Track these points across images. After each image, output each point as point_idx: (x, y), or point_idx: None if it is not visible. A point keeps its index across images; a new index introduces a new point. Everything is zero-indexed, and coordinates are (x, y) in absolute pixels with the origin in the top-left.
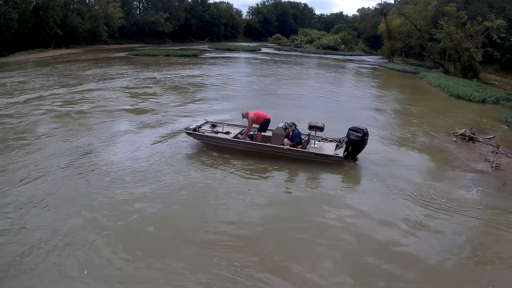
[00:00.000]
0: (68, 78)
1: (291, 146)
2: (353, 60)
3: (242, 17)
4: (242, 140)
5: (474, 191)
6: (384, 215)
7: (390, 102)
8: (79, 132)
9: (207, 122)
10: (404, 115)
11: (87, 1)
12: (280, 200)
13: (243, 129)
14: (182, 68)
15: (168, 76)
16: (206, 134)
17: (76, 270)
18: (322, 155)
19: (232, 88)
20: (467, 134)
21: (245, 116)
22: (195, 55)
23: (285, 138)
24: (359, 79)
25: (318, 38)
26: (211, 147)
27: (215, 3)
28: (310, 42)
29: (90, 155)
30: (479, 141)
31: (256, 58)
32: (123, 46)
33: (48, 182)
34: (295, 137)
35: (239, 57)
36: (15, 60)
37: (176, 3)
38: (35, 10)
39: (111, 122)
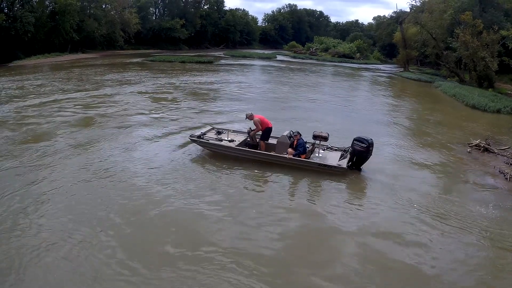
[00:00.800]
0: (84, 82)
1: (294, 155)
2: (369, 68)
3: (258, 24)
4: (246, 149)
5: (487, 205)
6: (392, 230)
7: (405, 111)
8: (96, 136)
9: (213, 128)
10: (418, 125)
11: (104, 7)
12: (277, 214)
13: (247, 137)
14: (198, 75)
15: (184, 82)
16: (210, 141)
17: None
18: (325, 165)
19: (248, 96)
20: (482, 145)
21: (249, 117)
22: (210, 62)
23: (289, 147)
24: (375, 88)
25: (334, 46)
26: (216, 153)
27: (231, 10)
28: (326, 50)
29: (106, 159)
30: (493, 152)
31: (272, 66)
32: (139, 51)
33: (64, 185)
34: (299, 146)
35: (254, 64)
36: (31, 63)
37: (192, 10)
38: (51, 14)
39: (127, 127)
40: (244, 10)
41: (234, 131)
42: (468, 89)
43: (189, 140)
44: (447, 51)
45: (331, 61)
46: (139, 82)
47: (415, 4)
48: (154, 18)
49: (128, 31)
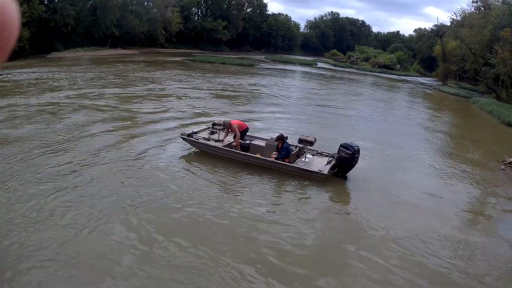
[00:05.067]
0: (123, 78)
1: (276, 158)
2: (408, 80)
3: (300, 30)
4: (230, 150)
5: None
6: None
7: (440, 125)
8: (130, 131)
9: (208, 128)
10: (451, 140)
11: (146, 4)
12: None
13: (230, 143)
14: (238, 77)
15: (224, 83)
16: (199, 140)
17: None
18: (306, 170)
19: (286, 101)
20: None
21: (227, 125)
22: (251, 65)
23: (276, 150)
24: (413, 101)
25: (374, 56)
26: (205, 152)
27: (273, 14)
28: (366, 59)
29: (138, 154)
30: None
31: (312, 73)
32: (179, 50)
33: (91, 177)
34: (282, 150)
35: (295, 70)
36: (69, 55)
37: (235, 12)
38: (92, 8)
39: (161, 125)
40: (286, 15)
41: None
42: (505, 106)
43: (180, 137)
44: (486, 67)
45: (371, 71)
46: (180, 81)
47: (455, 18)
48: (196, 18)
49: (169, 30)
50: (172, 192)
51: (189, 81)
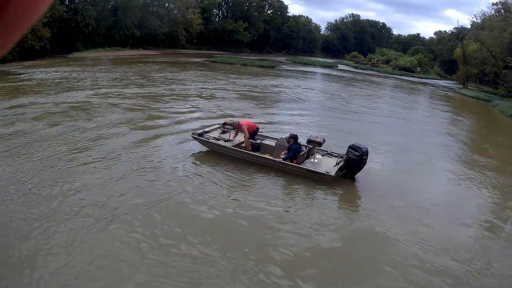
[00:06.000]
0: (147, 78)
1: (284, 159)
2: (429, 83)
3: (321, 32)
4: (239, 149)
5: None
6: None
7: (459, 129)
8: (155, 131)
9: (220, 127)
10: (471, 144)
11: (167, 5)
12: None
13: (240, 143)
14: (260, 78)
15: (245, 84)
16: (209, 140)
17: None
18: (313, 171)
19: (307, 103)
20: None
21: (236, 126)
22: (272, 67)
23: (284, 150)
24: (433, 103)
25: (395, 59)
26: (215, 152)
27: (294, 16)
28: (387, 62)
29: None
30: None
31: (333, 75)
32: (200, 51)
33: (110, 175)
34: (290, 151)
35: (316, 72)
36: (90, 55)
37: (256, 14)
38: (113, 9)
39: (187, 126)
40: (307, 17)
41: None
42: None
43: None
44: (506, 70)
45: (392, 74)
46: (205, 81)
47: (475, 20)
48: (217, 19)
49: (190, 31)
50: (182, 192)
51: (213, 82)
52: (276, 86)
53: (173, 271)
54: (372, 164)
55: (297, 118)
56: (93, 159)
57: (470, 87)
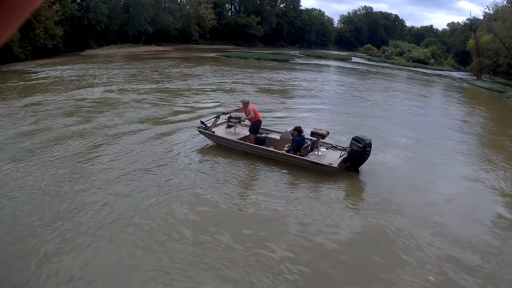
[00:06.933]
0: (163, 74)
1: (287, 151)
2: (442, 75)
3: (334, 25)
4: (244, 142)
5: None
6: None
7: (474, 120)
8: (175, 125)
9: (228, 120)
10: (486, 136)
11: (179, 1)
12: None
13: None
14: (274, 72)
15: (266, 78)
16: (214, 134)
17: None
18: (316, 163)
19: (323, 95)
20: None
21: (245, 104)
22: (286, 60)
23: (288, 143)
24: (447, 95)
25: (408, 51)
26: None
27: (307, 9)
28: (400, 54)
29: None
30: None
31: (347, 68)
32: (213, 46)
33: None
34: (293, 143)
35: (330, 65)
36: (104, 53)
37: (268, 8)
38: (125, 6)
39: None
40: (320, 10)
41: (245, 125)
42: None
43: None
44: None
45: (406, 66)
46: (222, 76)
47: (488, 12)
48: (230, 14)
49: (203, 26)
50: (190, 184)
51: (231, 76)
52: (293, 79)
53: (176, 262)
54: (385, 157)
55: (315, 112)
56: (110, 154)
57: (484, 79)
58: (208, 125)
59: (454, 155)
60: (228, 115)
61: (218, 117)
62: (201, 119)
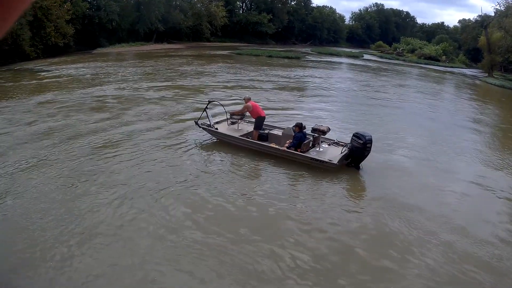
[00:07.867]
0: (177, 71)
1: (288, 148)
2: (454, 72)
3: (345, 22)
4: (245, 139)
5: None
6: None
7: (485, 118)
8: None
9: (231, 117)
10: (498, 134)
11: None
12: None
13: (247, 133)
14: (292, 69)
15: (281, 75)
16: (217, 130)
17: None
18: (316, 159)
19: (335, 92)
20: None
21: (246, 100)
22: (298, 58)
23: (290, 139)
24: (458, 92)
25: (420, 48)
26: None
27: (318, 7)
28: (412, 51)
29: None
30: None
31: (359, 65)
32: (225, 44)
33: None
34: (294, 139)
35: (342, 62)
36: (115, 51)
37: (279, 5)
38: (136, 4)
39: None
40: (331, 7)
41: (249, 122)
42: None
43: (200, 128)
44: None
45: (417, 63)
46: (235, 73)
47: (499, 8)
48: (241, 11)
49: (214, 24)
50: (193, 180)
51: (245, 74)
52: (310, 76)
53: (183, 256)
54: (394, 154)
55: (328, 110)
56: (122, 150)
57: (495, 76)
58: (207, 123)
59: (464, 153)
60: (231, 112)
61: (207, 105)
62: (194, 120)
